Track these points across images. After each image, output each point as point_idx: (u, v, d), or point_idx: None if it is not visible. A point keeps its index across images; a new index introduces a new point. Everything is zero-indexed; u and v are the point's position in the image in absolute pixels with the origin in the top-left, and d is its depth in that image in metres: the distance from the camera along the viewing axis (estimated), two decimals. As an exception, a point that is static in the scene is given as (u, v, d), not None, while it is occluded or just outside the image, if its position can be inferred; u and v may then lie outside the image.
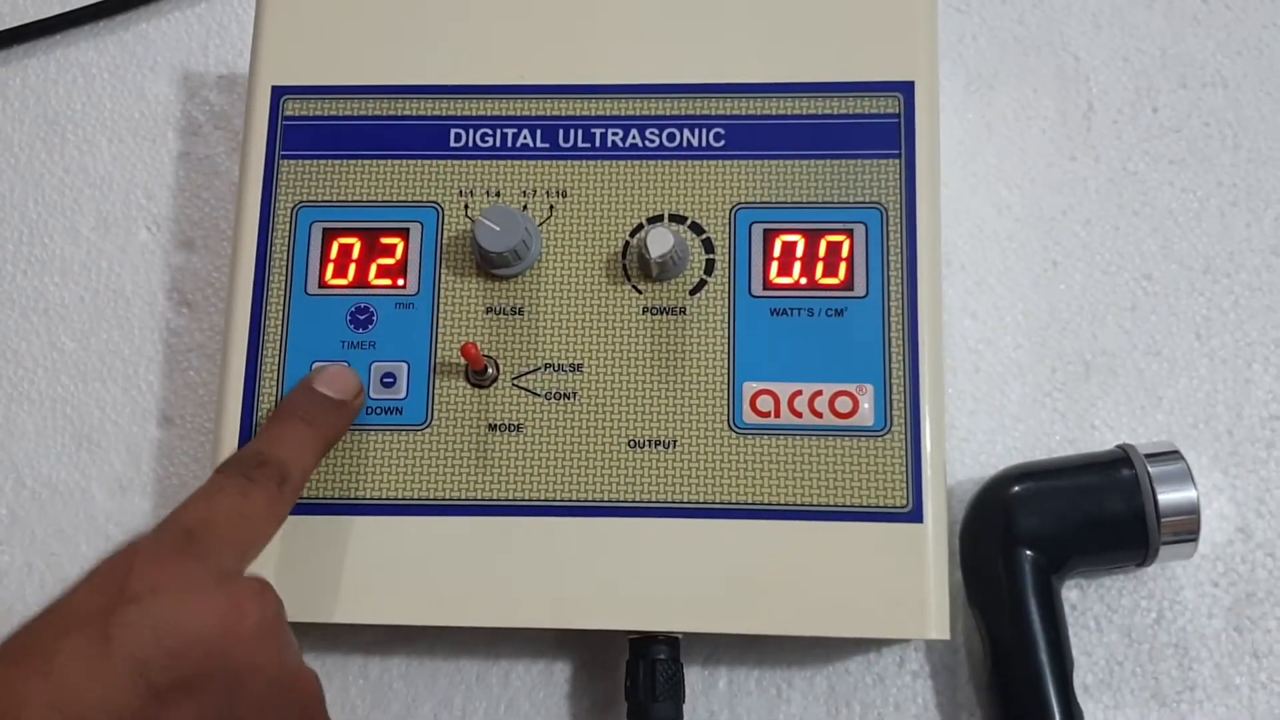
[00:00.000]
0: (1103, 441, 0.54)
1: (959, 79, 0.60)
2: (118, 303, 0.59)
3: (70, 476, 0.57)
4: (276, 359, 0.49)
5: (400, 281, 0.49)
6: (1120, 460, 0.49)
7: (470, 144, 0.50)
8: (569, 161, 0.50)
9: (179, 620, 0.36)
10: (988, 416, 0.55)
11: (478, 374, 0.48)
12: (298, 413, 0.45)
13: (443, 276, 0.49)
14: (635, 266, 0.48)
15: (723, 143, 0.49)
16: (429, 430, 0.48)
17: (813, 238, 0.48)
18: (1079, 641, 0.51)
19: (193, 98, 0.63)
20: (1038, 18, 0.61)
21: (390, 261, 0.49)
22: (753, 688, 0.51)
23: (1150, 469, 0.48)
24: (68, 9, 0.64)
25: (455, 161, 0.50)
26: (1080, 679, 0.50)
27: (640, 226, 0.49)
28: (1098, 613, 0.52)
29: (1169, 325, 0.56)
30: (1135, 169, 0.58)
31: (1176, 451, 0.49)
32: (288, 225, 0.50)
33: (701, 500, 0.46)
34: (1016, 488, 0.49)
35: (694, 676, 0.51)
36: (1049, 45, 0.61)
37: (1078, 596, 0.52)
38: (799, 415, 0.47)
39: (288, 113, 0.51)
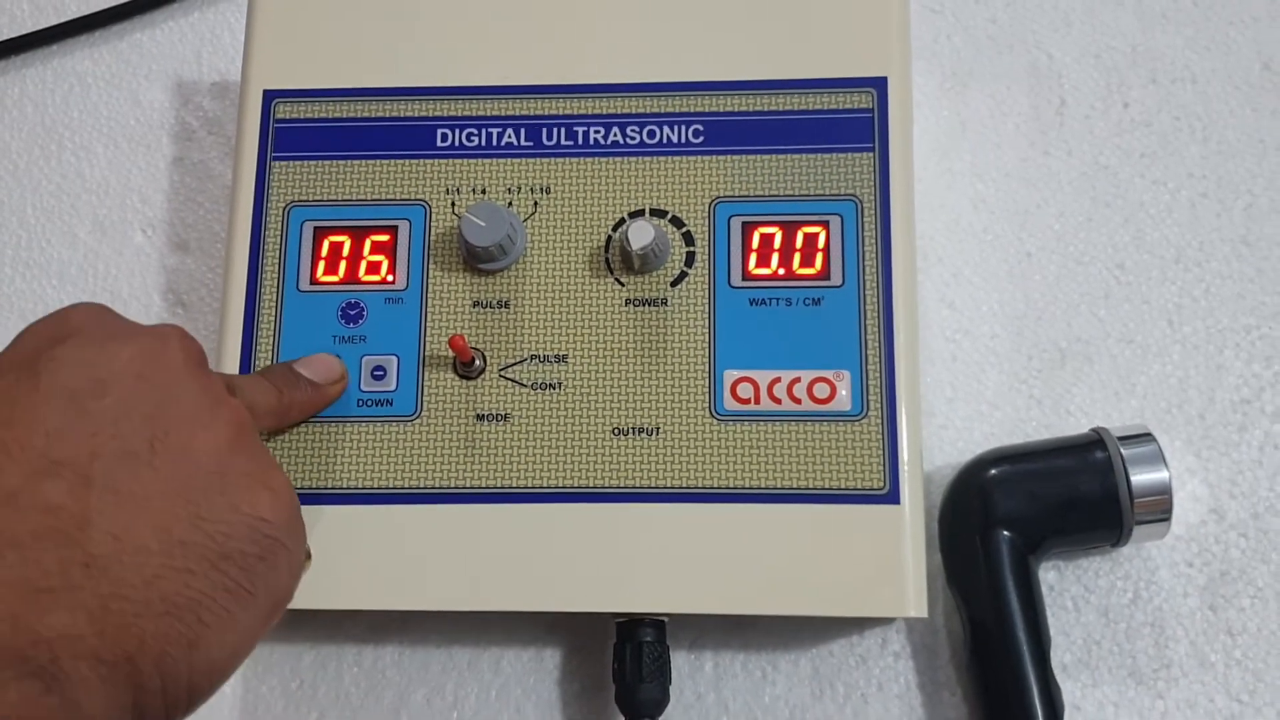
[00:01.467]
0: (1078, 427, 0.55)
1: (934, 77, 0.62)
2: (114, 304, 0.60)
3: (69, 475, 0.58)
4: (270, 355, 0.50)
5: (389, 277, 0.50)
6: (1094, 443, 0.51)
7: (456, 143, 0.52)
8: (552, 159, 0.51)
9: (106, 354, 0.37)
10: (966, 404, 0.56)
11: (465, 366, 0.49)
12: (269, 376, 0.47)
13: (431, 272, 0.50)
14: (618, 259, 0.50)
15: (701, 139, 0.51)
16: (419, 421, 0.49)
17: (790, 229, 0.50)
18: (1057, 621, 0.52)
19: (186, 104, 0.64)
20: (1010, 16, 0.63)
21: (380, 258, 0.51)
22: (738, 670, 0.53)
23: (1123, 450, 0.50)
24: (64, 20, 0.65)
25: (442, 160, 0.51)
26: (1058, 658, 0.51)
27: (622, 221, 0.50)
28: (1075, 593, 0.53)
29: (1142, 313, 0.57)
30: (1107, 162, 0.60)
31: (1149, 434, 0.50)
32: (279, 224, 0.51)
33: (684, 485, 0.48)
34: (993, 470, 0.51)
35: (681, 660, 0.52)
36: (1021, 43, 0.62)
37: (1055, 577, 0.53)
38: (778, 401, 0.48)
39: (279, 115, 0.52)
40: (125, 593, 0.35)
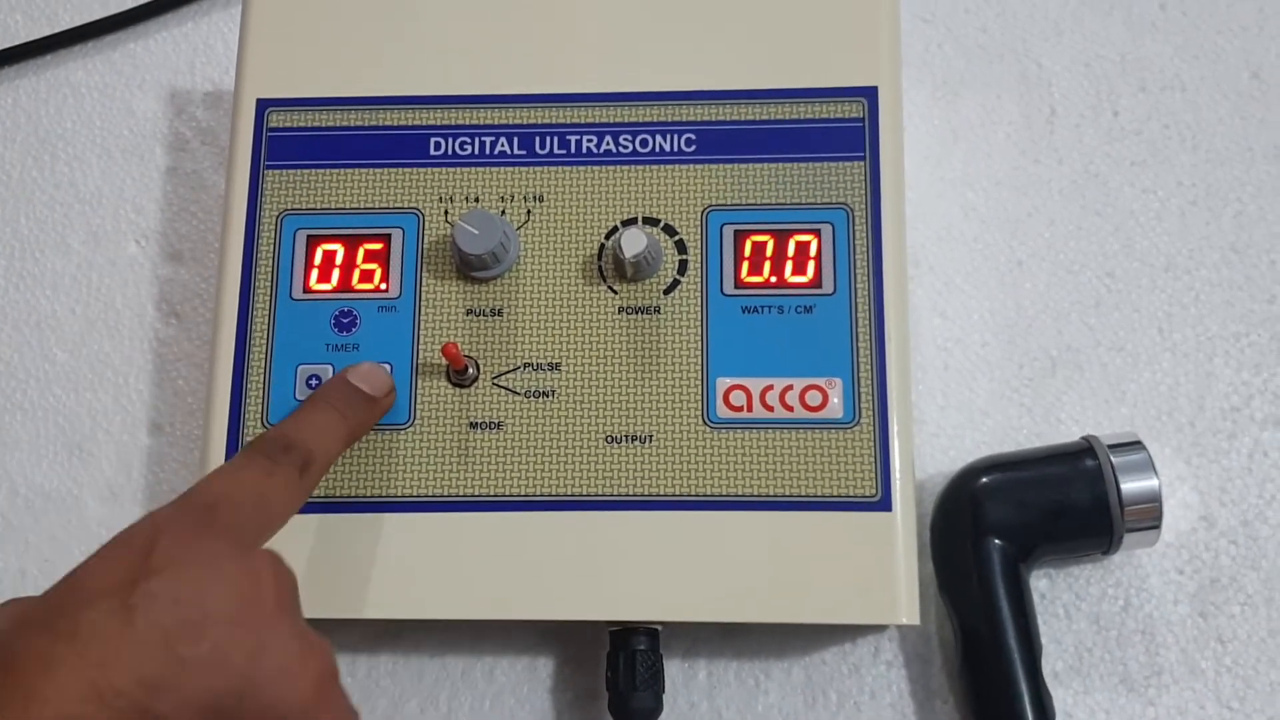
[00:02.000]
0: (1069, 435, 0.55)
1: (925, 87, 0.62)
2: (108, 314, 0.61)
3: (63, 484, 0.58)
4: (263, 363, 0.50)
5: (383, 285, 0.51)
6: (1084, 451, 0.51)
7: (449, 152, 0.52)
8: (545, 167, 0.51)
9: (201, 593, 0.36)
10: (957, 412, 0.56)
11: (459, 374, 0.49)
12: (330, 401, 0.46)
13: (424, 280, 0.50)
14: (610, 268, 0.50)
15: (693, 147, 0.51)
16: (412, 429, 0.49)
17: (781, 237, 0.50)
18: (1049, 629, 0.52)
19: (180, 114, 0.64)
20: (1001, 26, 0.63)
21: (373, 266, 0.51)
22: (731, 679, 0.53)
23: (1113, 459, 0.50)
24: (57, 30, 0.66)
25: (435, 169, 0.52)
26: (1050, 666, 0.52)
27: (615, 229, 0.50)
28: (1067, 601, 0.53)
29: (1132, 321, 0.57)
30: (1097, 170, 0.60)
31: (1139, 442, 0.51)
32: (273, 233, 0.51)
33: (677, 493, 0.48)
34: (984, 479, 0.51)
35: (674, 669, 0.52)
36: (1012, 52, 0.62)
37: (1047, 585, 0.53)
38: (770, 409, 0.48)
39: (272, 124, 0.53)
40: None
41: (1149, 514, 0.50)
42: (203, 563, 0.37)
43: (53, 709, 0.33)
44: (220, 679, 0.36)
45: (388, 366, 0.49)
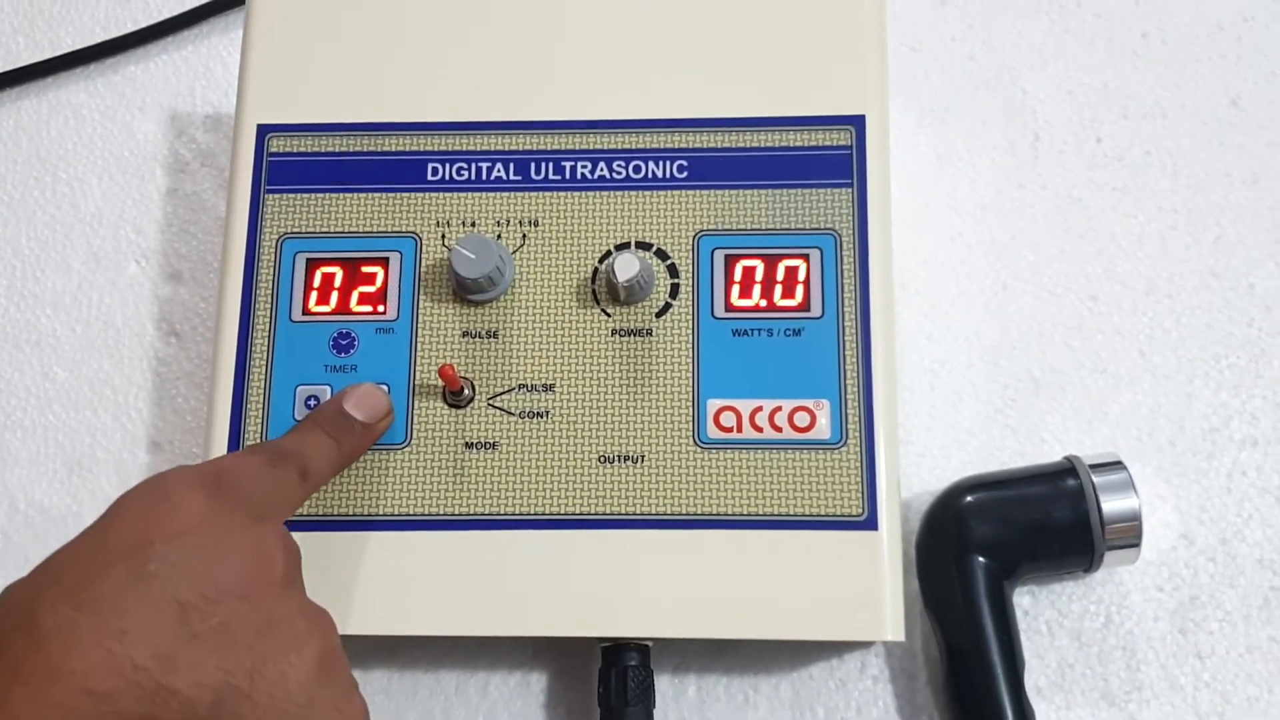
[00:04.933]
0: (1052, 455, 0.56)
1: (912, 113, 0.63)
2: (108, 333, 0.61)
3: (62, 501, 0.59)
4: (262, 384, 0.51)
5: (381, 308, 0.52)
6: (1066, 471, 0.52)
7: (447, 177, 0.53)
8: (540, 193, 0.52)
9: (215, 564, 0.37)
10: (943, 432, 0.57)
11: (455, 395, 0.50)
12: (324, 426, 0.47)
13: (421, 303, 0.51)
14: (604, 291, 0.51)
15: (685, 174, 0.52)
16: (409, 449, 0.50)
17: (771, 262, 0.51)
18: (1031, 645, 0.53)
19: (180, 136, 0.65)
20: (987, 54, 0.64)
21: (371, 289, 0.52)
22: (721, 694, 0.54)
23: (1094, 478, 0.51)
24: (59, 53, 0.67)
25: (432, 194, 0.53)
26: (1033, 681, 0.53)
27: (608, 253, 0.51)
28: (1049, 617, 0.54)
29: (1114, 343, 0.58)
30: (1080, 196, 0.61)
31: (1119, 462, 0.52)
32: (273, 256, 0.52)
33: (669, 512, 0.49)
34: (969, 498, 0.52)
35: (665, 684, 0.53)
36: (998, 80, 0.64)
37: (1030, 602, 0.54)
38: (760, 430, 0.49)
39: (272, 149, 0.54)
40: None
41: (1129, 532, 0.51)
42: (219, 528, 0.38)
43: (76, 682, 0.34)
44: (230, 655, 0.37)
45: (385, 387, 0.50)
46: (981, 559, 0.51)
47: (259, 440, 0.50)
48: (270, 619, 0.38)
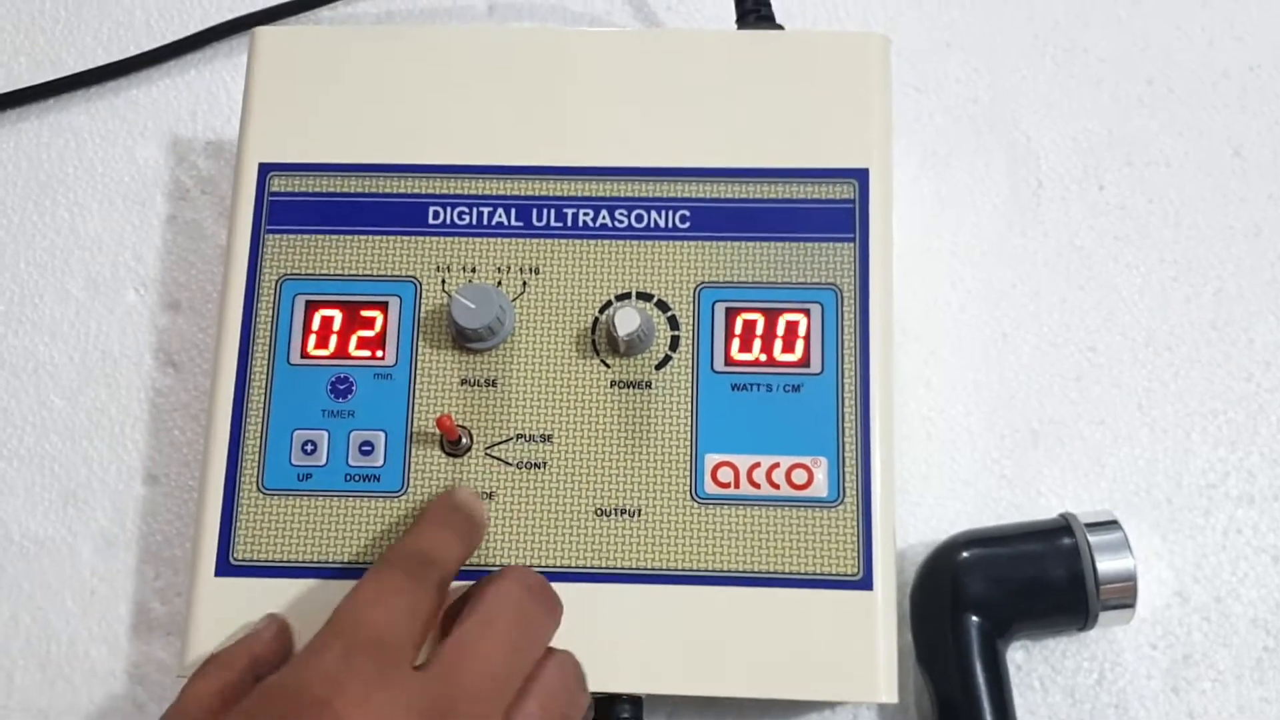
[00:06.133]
0: (1048, 507, 0.56)
1: (915, 155, 0.63)
2: (105, 363, 0.61)
3: (57, 532, 0.59)
4: (260, 425, 0.51)
5: (379, 353, 0.51)
6: (1062, 529, 0.52)
7: (448, 221, 0.53)
8: (542, 240, 0.52)
9: None
10: (939, 482, 0.57)
11: (452, 444, 0.50)
12: (448, 522, 0.47)
13: (420, 349, 0.51)
14: (604, 342, 0.51)
15: (687, 224, 0.52)
16: (405, 497, 0.50)
17: (771, 316, 0.51)
18: (1024, 701, 0.54)
19: (181, 163, 0.65)
20: (991, 97, 0.64)
21: (370, 334, 0.52)
22: (713, 743, 0.54)
23: (1090, 538, 0.51)
24: (61, 75, 0.66)
25: (433, 238, 0.53)
26: (1024, 736, 0.53)
27: (609, 303, 0.51)
28: (1042, 673, 0.54)
29: (1112, 396, 0.58)
30: (1082, 244, 0.61)
31: (1115, 521, 0.52)
32: (272, 296, 0.52)
33: (664, 567, 0.49)
34: (963, 554, 0.52)
35: (657, 732, 0.54)
36: (1001, 124, 0.64)
37: (1023, 657, 0.54)
38: (757, 486, 0.49)
39: (273, 189, 0.54)
40: None
41: (1125, 593, 0.51)
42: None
43: None
44: None
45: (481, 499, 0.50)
46: (975, 618, 0.51)
47: (255, 484, 0.50)
48: None
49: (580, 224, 0.52)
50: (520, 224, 0.53)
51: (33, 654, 0.57)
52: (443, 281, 0.52)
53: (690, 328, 0.51)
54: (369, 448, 0.50)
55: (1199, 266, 0.61)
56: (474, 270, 0.52)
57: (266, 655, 0.46)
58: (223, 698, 0.42)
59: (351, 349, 0.52)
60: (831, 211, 0.52)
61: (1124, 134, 0.63)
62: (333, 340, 0.52)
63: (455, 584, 0.46)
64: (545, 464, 0.50)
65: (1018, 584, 0.51)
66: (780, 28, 0.58)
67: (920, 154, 0.63)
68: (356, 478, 0.50)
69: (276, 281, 0.53)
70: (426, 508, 0.49)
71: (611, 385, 0.51)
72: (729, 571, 0.49)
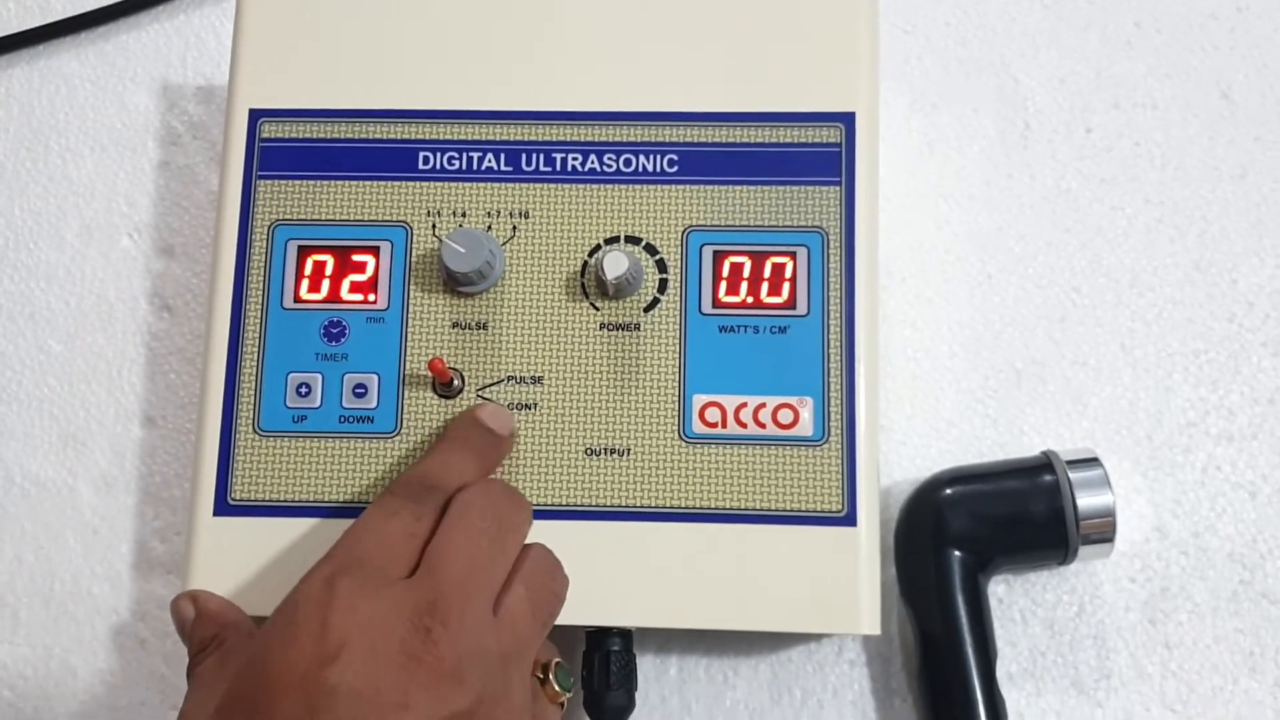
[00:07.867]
0: (1031, 446, 0.57)
1: (903, 98, 0.63)
2: (101, 307, 0.62)
3: (57, 474, 0.60)
4: (255, 368, 0.52)
5: (371, 297, 0.52)
6: (1043, 466, 0.53)
7: (438, 166, 0.53)
8: (531, 184, 0.53)
9: (372, 682, 0.38)
10: (924, 421, 0.58)
11: (444, 386, 0.51)
12: (464, 442, 0.48)
13: (411, 293, 0.52)
14: (593, 285, 0.52)
15: (676, 168, 0.53)
16: (398, 438, 0.51)
17: (758, 259, 0.51)
18: (1005, 633, 0.55)
19: (172, 109, 0.65)
20: (980, 39, 0.64)
21: (362, 278, 0.52)
22: (701, 675, 0.55)
23: (1070, 475, 0.52)
24: (50, 20, 0.66)
25: (424, 183, 0.53)
26: (1005, 668, 0.54)
27: (598, 247, 0.52)
28: (1023, 606, 0.56)
29: (1096, 336, 0.59)
30: (1068, 187, 0.62)
31: (1096, 458, 0.53)
32: (265, 242, 0.53)
33: (653, 505, 0.50)
34: (946, 491, 0.53)
35: (647, 664, 0.55)
36: (990, 66, 0.64)
37: (1005, 591, 0.56)
38: (744, 426, 0.50)
39: (264, 135, 0.54)
40: None
41: (1104, 528, 0.52)
42: (372, 635, 0.39)
43: None
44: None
45: (511, 412, 0.51)
46: (957, 552, 0.52)
47: (251, 426, 0.51)
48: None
49: (569, 168, 0.53)
50: (510, 169, 0.53)
51: (36, 592, 0.58)
52: (433, 226, 0.53)
53: (678, 271, 0.52)
54: (362, 390, 0.51)
55: (1184, 208, 0.61)
56: (464, 215, 0.53)
57: None
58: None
59: (344, 293, 0.52)
60: (819, 155, 0.52)
61: (1111, 76, 0.63)
62: (325, 284, 0.52)
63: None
64: (536, 405, 0.51)
65: (999, 520, 0.52)
66: (768, -30, 0.58)
67: (908, 97, 0.63)
68: (350, 419, 0.51)
69: (269, 227, 0.53)
70: (450, 424, 0.50)
71: (601, 328, 0.51)
72: (716, 509, 0.50)
